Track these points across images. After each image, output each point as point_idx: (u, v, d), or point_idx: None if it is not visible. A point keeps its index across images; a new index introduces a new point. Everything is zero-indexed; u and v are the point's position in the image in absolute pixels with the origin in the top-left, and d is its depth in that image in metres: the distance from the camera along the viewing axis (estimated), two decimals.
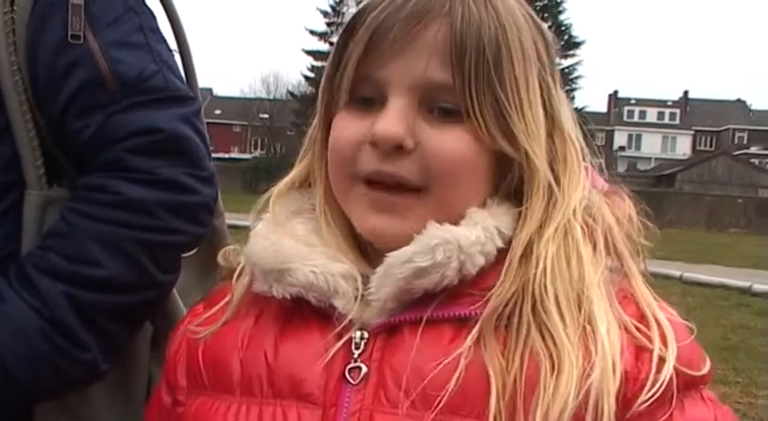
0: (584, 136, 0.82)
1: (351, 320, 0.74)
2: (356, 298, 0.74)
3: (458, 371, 0.68)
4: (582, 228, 0.75)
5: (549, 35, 0.80)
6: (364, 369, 0.72)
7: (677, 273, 10.32)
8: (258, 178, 30.86)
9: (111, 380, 1.03)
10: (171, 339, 0.88)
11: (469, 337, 0.70)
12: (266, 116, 52.40)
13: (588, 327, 0.70)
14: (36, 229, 0.98)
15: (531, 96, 0.75)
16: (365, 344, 0.73)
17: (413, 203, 0.74)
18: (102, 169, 0.96)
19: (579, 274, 0.72)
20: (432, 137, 0.73)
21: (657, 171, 52.43)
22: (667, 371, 0.69)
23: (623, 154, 67.45)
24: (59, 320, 0.92)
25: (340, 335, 0.74)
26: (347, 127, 0.76)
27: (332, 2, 39.48)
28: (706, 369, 0.74)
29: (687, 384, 0.72)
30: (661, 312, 0.74)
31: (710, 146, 67.23)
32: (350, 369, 0.73)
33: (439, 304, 0.73)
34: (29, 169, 0.97)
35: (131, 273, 0.95)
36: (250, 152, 54.62)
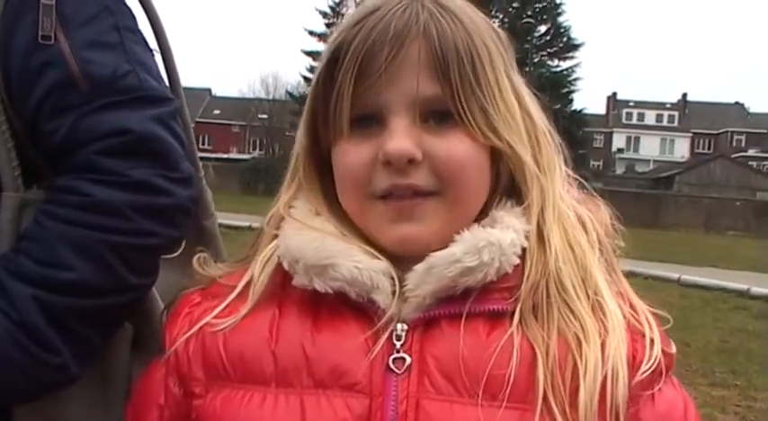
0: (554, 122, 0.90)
1: (390, 315, 0.79)
2: (394, 293, 0.79)
3: (515, 351, 0.76)
4: (572, 213, 0.84)
5: (501, 32, 0.87)
6: (408, 359, 0.78)
7: (675, 276, 10.35)
8: (257, 179, 30.89)
9: (90, 382, 1.01)
10: (172, 328, 0.88)
11: (514, 319, 0.78)
12: (265, 117, 52.44)
13: (597, 303, 0.80)
14: (12, 232, 0.96)
15: (503, 92, 0.82)
16: (405, 335, 0.79)
17: (430, 206, 0.80)
18: (74, 171, 0.94)
19: (582, 256, 0.82)
20: (436, 144, 0.79)
21: (656, 173, 52.53)
22: (657, 349, 0.80)
23: (622, 156, 67.58)
24: (29, 324, 0.90)
25: (381, 329, 0.79)
26: (355, 153, 0.81)
27: (331, 3, 39.51)
28: (674, 348, 0.85)
29: (667, 366, 0.82)
30: (642, 304, 0.86)
31: (709, 148, 67.34)
32: (394, 359, 0.78)
33: (474, 299, 0.79)
34: (4, 171, 0.96)
35: (102, 276, 0.93)
36: (249, 152, 54.59)
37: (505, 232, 0.80)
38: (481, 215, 0.83)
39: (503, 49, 0.85)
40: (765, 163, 56.91)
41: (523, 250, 0.80)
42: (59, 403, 1.00)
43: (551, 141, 0.86)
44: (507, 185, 0.84)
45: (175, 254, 1.08)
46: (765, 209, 30.59)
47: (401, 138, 0.78)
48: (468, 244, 0.78)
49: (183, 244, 1.11)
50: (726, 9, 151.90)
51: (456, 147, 0.79)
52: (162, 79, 1.07)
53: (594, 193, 0.92)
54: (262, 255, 0.86)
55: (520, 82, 0.86)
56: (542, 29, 36.86)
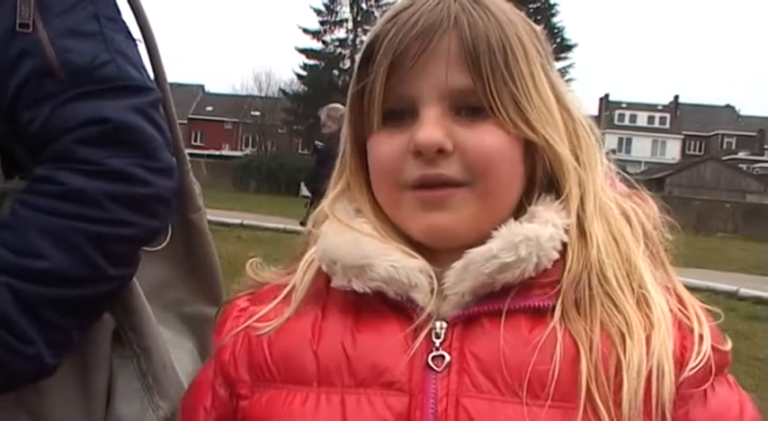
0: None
1: (428, 313, 0.79)
2: (432, 291, 0.79)
3: (558, 346, 0.75)
4: (615, 206, 0.83)
5: (540, 30, 0.87)
6: (447, 357, 0.78)
7: None
8: (249, 176, 30.75)
9: (69, 374, 1.00)
10: (220, 332, 0.89)
11: (556, 313, 0.77)
12: (258, 113, 52.31)
13: (642, 296, 0.79)
14: None
15: (539, 85, 0.82)
16: (444, 333, 0.79)
17: (460, 196, 0.80)
18: (51, 160, 0.94)
19: (626, 248, 0.81)
20: (467, 136, 0.79)
21: (647, 175, 52.55)
22: (707, 345, 0.78)
23: (613, 157, 67.58)
24: (1, 313, 0.90)
25: (420, 327, 0.79)
26: (387, 144, 0.82)
27: (325, 0, 39.43)
28: (729, 346, 0.83)
29: (718, 364, 0.79)
30: (694, 300, 0.84)
31: (700, 150, 67.60)
32: (433, 357, 0.78)
33: (513, 296, 0.78)
34: None
35: (77, 265, 0.92)
36: (241, 149, 54.45)
37: (544, 227, 0.79)
38: (521, 211, 0.83)
39: (539, 43, 0.85)
40: (755, 165, 57.16)
41: (564, 245, 0.80)
42: (39, 396, 1.00)
43: (592, 135, 0.86)
44: (545, 180, 0.84)
45: (160, 246, 1.08)
46: (755, 211, 30.72)
47: (431, 128, 0.79)
48: (504, 239, 0.78)
49: (169, 237, 1.11)
50: (718, 12, 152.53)
51: (487, 138, 0.79)
52: (144, 69, 1.06)
53: (640, 188, 0.90)
54: (305, 258, 0.88)
55: (558, 77, 0.87)
56: None
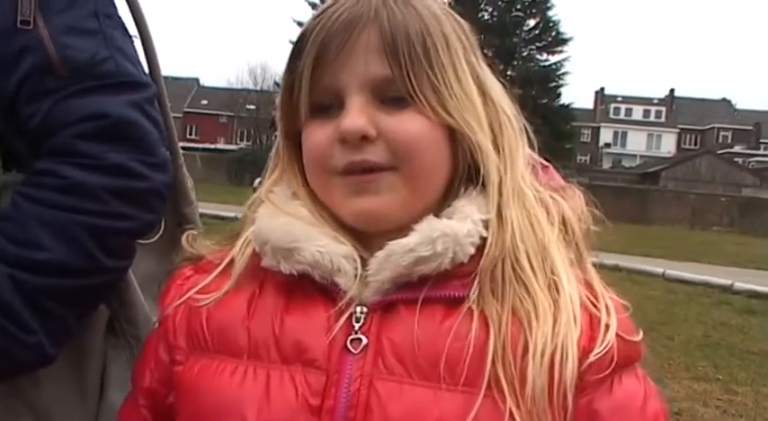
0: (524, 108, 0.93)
1: (351, 297, 0.82)
2: (356, 276, 0.83)
3: (471, 332, 0.78)
4: (533, 193, 0.86)
5: (464, 22, 0.91)
6: (364, 340, 0.81)
7: (660, 271, 10.42)
8: (244, 170, 30.73)
9: (63, 363, 1.02)
10: (164, 300, 0.93)
11: (471, 297, 0.80)
12: (253, 107, 52.20)
13: (552, 281, 0.82)
14: None
15: (460, 75, 0.85)
16: (365, 318, 0.82)
17: (387, 179, 0.83)
18: (51, 154, 0.96)
19: (541, 234, 0.84)
20: (390, 122, 0.83)
21: (642, 168, 52.79)
22: (611, 335, 0.81)
23: (609, 151, 67.85)
24: (4, 303, 0.91)
25: (342, 310, 0.82)
26: (317, 134, 0.86)
27: None
28: (639, 337, 0.85)
29: (627, 355, 0.83)
30: (606, 292, 0.86)
31: (695, 144, 67.78)
32: (351, 340, 0.81)
33: (431, 286, 0.82)
34: None
35: (76, 257, 0.94)
36: (236, 143, 54.40)
37: (462, 223, 0.82)
38: (446, 205, 0.86)
39: (464, 36, 0.89)
40: (751, 159, 57.31)
41: (483, 239, 0.82)
42: (35, 385, 1.01)
43: (514, 124, 0.89)
44: (467, 167, 0.87)
45: (153, 239, 1.10)
46: (750, 205, 30.84)
47: (354, 115, 0.82)
48: (422, 234, 0.81)
49: (162, 230, 1.12)
50: (715, 5, 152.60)
51: (408, 124, 0.83)
52: (140, 65, 1.07)
53: (571, 181, 0.94)
54: (242, 237, 0.91)
55: (485, 70, 0.90)
56: (531, 23, 36.90)
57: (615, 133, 68.82)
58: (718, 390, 5.18)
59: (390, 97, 0.83)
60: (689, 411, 4.65)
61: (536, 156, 0.92)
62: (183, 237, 0.96)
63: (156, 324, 0.95)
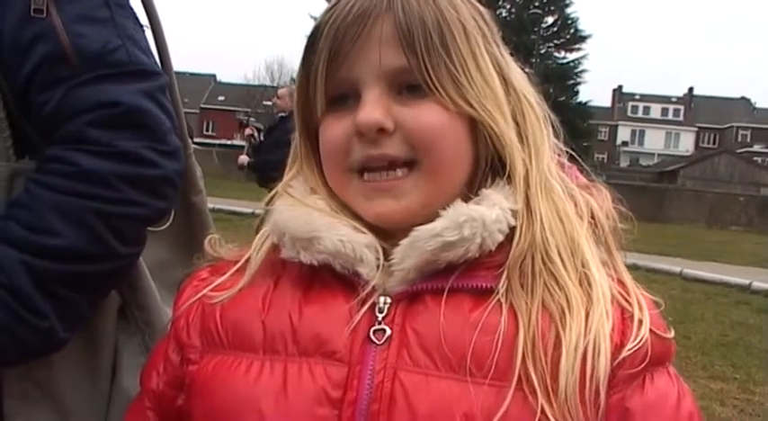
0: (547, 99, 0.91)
1: (373, 287, 0.81)
2: (378, 266, 0.81)
3: (500, 324, 0.76)
4: (561, 185, 0.85)
5: (484, 9, 0.89)
6: (388, 331, 0.79)
7: (677, 269, 10.34)
8: None
9: (76, 349, 1.03)
10: (178, 301, 0.92)
11: (500, 289, 0.78)
12: (270, 103, 52.28)
13: (584, 275, 0.80)
14: (3, 200, 0.99)
15: (480, 64, 0.83)
16: (388, 308, 0.80)
17: (408, 181, 0.82)
18: (63, 141, 0.97)
19: (570, 227, 0.82)
20: (407, 114, 0.81)
21: (660, 167, 52.38)
22: (645, 329, 0.79)
23: (626, 149, 67.43)
24: (17, 288, 0.93)
25: (364, 301, 0.81)
26: (334, 127, 0.84)
27: None
28: (671, 334, 0.84)
29: (660, 352, 0.81)
30: (636, 288, 0.85)
31: (714, 143, 67.17)
32: (374, 331, 0.79)
33: (459, 275, 0.80)
34: None
35: (89, 243, 0.95)
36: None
37: (490, 209, 0.80)
38: (474, 194, 0.84)
39: (483, 24, 0.87)
40: None
41: (512, 228, 0.81)
42: (48, 369, 1.03)
43: (538, 113, 0.87)
44: (491, 158, 0.85)
45: (163, 227, 1.11)
46: None
47: (370, 107, 0.81)
48: (449, 219, 0.80)
49: (171, 218, 1.14)
50: (734, 4, 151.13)
51: (426, 115, 0.81)
52: (151, 54, 1.09)
53: (595, 178, 0.92)
54: (260, 233, 0.91)
55: (506, 58, 0.88)
56: (549, 20, 36.76)
57: (633, 131, 68.38)
58: (736, 390, 5.14)
59: (408, 88, 0.82)
60: (706, 410, 4.61)
61: (561, 145, 0.90)
62: (206, 242, 0.95)
63: (168, 318, 0.95)
